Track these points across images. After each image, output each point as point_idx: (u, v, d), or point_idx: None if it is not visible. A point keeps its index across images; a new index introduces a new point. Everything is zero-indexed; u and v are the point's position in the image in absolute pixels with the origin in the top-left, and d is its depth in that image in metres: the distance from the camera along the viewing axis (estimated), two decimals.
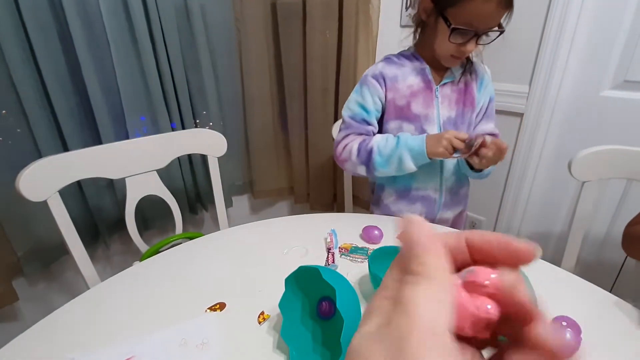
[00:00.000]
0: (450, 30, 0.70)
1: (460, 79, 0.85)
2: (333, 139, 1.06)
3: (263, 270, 0.68)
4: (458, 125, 0.85)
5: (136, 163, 0.93)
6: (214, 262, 0.72)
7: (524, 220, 1.38)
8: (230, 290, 0.63)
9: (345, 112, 0.89)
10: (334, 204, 1.69)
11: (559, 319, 0.53)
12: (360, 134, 0.86)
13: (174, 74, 1.21)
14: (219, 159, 1.05)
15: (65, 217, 0.79)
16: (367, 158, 0.82)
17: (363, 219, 0.86)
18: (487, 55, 1.28)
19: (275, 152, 1.57)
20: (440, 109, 0.84)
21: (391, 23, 1.38)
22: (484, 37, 0.72)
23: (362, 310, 0.46)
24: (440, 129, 0.85)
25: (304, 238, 0.79)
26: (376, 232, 0.77)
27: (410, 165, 0.78)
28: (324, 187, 1.61)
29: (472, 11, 0.68)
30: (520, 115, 1.25)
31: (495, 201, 1.42)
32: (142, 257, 0.99)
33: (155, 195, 0.98)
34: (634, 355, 0.51)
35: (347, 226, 0.83)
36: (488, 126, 0.90)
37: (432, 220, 0.90)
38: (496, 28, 0.72)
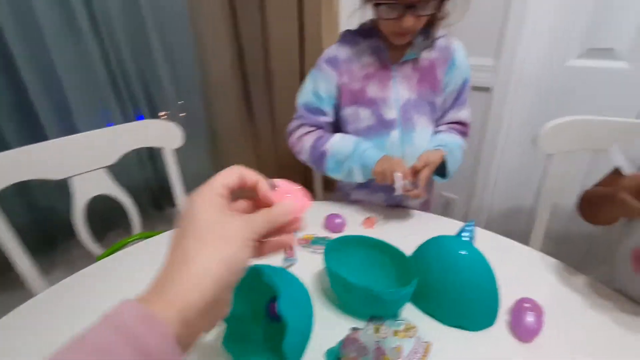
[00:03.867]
0: (375, 6, 0.66)
1: (421, 56, 0.77)
2: None
3: None
4: (419, 108, 0.79)
5: (81, 161, 0.86)
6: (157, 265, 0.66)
7: (495, 196, 1.37)
8: None
9: (299, 100, 0.84)
10: (312, 193, 1.65)
11: (521, 301, 0.51)
12: (314, 126, 0.84)
13: (123, 61, 1.11)
14: (183, 150, 0.98)
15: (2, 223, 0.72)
16: (319, 159, 0.80)
17: (326, 207, 0.82)
18: (451, 28, 1.24)
19: (243, 140, 1.50)
20: (399, 90, 0.78)
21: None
22: (422, 9, 0.66)
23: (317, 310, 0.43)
24: (399, 113, 0.79)
25: None
26: (338, 220, 0.74)
27: (360, 179, 0.79)
28: (295, 174, 1.56)
29: None
30: (488, 89, 1.22)
31: (468, 179, 1.41)
32: (97, 259, 0.93)
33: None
34: (595, 331, 0.50)
35: (309, 215, 0.79)
36: (460, 114, 0.84)
37: (396, 207, 0.87)
38: None
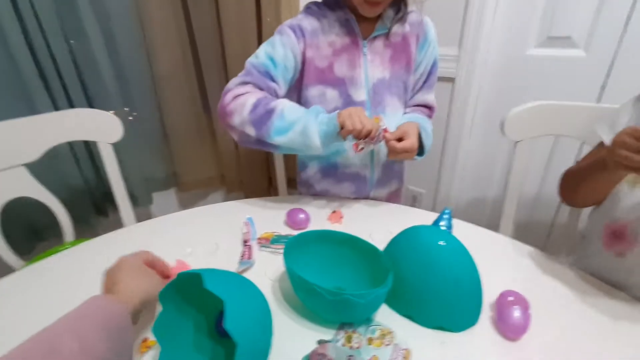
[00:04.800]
0: None
1: (393, 30, 0.71)
2: None
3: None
4: (392, 89, 0.73)
5: None
6: (89, 274, 0.55)
7: (462, 187, 1.37)
8: None
9: (249, 60, 0.71)
10: (270, 189, 1.55)
11: (506, 294, 0.46)
12: (260, 89, 0.68)
13: (52, 47, 0.96)
14: (129, 149, 0.86)
15: None
16: (264, 117, 0.63)
17: (287, 202, 0.74)
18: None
19: (199, 136, 1.38)
20: (368, 69, 0.71)
21: None
22: None
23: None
24: (368, 94, 0.72)
25: (214, 231, 0.65)
26: (301, 215, 0.66)
27: (315, 139, 0.61)
28: (258, 171, 1.46)
29: None
30: (452, 79, 1.20)
31: (434, 172, 1.39)
32: None
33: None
34: (579, 320, 0.46)
35: (269, 212, 0.71)
36: (428, 97, 0.80)
37: (366, 198, 0.81)
38: None
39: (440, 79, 1.21)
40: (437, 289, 0.44)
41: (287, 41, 0.69)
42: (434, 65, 0.78)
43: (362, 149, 0.63)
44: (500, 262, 0.58)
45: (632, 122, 0.55)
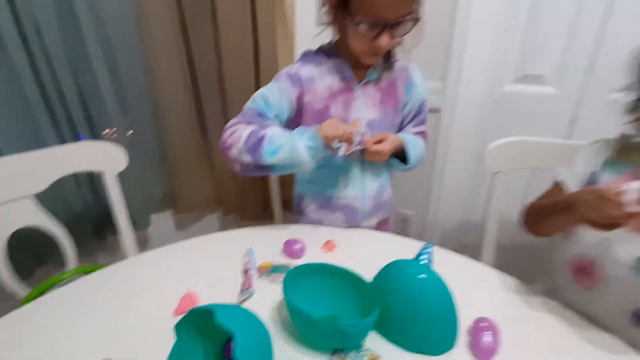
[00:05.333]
0: (355, 23, 0.66)
1: (383, 76, 0.80)
2: None
3: (162, 310, 0.57)
4: (382, 127, 0.81)
5: (3, 188, 0.75)
6: (100, 305, 0.59)
7: (449, 211, 1.43)
8: (118, 343, 0.51)
9: (246, 104, 0.79)
10: (266, 212, 1.60)
11: (479, 321, 0.52)
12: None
13: (57, 76, 1.01)
14: (129, 171, 0.90)
15: None
16: (256, 144, 0.70)
17: (284, 232, 0.79)
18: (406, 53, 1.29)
19: (197, 159, 1.43)
20: (361, 110, 0.79)
21: (308, 19, 1.33)
22: (397, 29, 0.68)
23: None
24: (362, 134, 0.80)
25: (216, 261, 0.70)
26: (297, 246, 0.71)
27: (303, 154, 0.68)
28: (253, 194, 1.51)
29: (370, 1, 0.63)
30: (438, 110, 1.29)
31: (423, 195, 1.46)
32: (22, 302, 0.80)
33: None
34: (551, 347, 0.52)
35: (267, 241, 0.76)
36: (418, 129, 0.89)
37: (357, 227, 0.87)
38: (408, 17, 0.66)
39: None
40: (417, 318, 0.49)
41: (282, 87, 0.77)
42: (421, 105, 0.86)
43: (349, 150, 0.71)
44: (478, 290, 0.64)
45: (589, 168, 0.62)
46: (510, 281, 0.67)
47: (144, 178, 1.34)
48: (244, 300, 0.59)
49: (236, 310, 0.43)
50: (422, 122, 0.88)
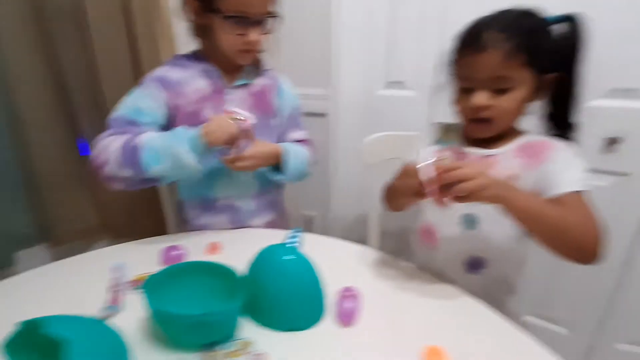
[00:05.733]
0: (224, 19, 0.69)
1: (253, 82, 0.83)
2: None
3: None
4: (257, 130, 0.83)
5: None
6: None
7: (346, 208, 1.54)
8: None
9: (111, 115, 0.74)
10: (165, 229, 1.50)
11: (343, 290, 0.57)
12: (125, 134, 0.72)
13: None
14: None
15: None
16: (133, 155, 0.66)
17: (162, 241, 0.76)
18: (291, 63, 1.38)
19: (72, 181, 1.27)
20: None
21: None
22: (264, 25, 0.72)
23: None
24: None
25: (80, 282, 0.63)
26: (175, 252, 0.69)
27: (188, 159, 0.66)
28: (145, 212, 1.40)
29: None
30: (324, 115, 1.40)
31: (323, 196, 1.55)
32: None
33: None
34: (405, 303, 0.60)
35: (143, 254, 0.72)
36: (297, 134, 0.93)
37: (242, 227, 0.87)
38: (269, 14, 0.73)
39: (315, 114, 1.41)
40: (285, 297, 0.52)
41: (152, 92, 0.75)
42: (294, 110, 0.93)
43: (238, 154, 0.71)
44: (347, 266, 0.70)
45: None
46: (378, 254, 0.75)
47: (2, 210, 1.15)
48: (108, 316, 0.54)
49: (76, 320, 0.40)
50: (297, 126, 0.94)
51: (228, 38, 0.73)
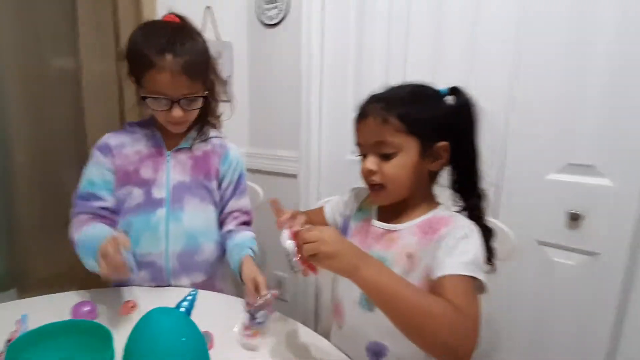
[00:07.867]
0: (141, 98, 0.77)
1: (195, 146, 0.89)
2: None
3: None
4: (193, 190, 0.87)
5: None
6: None
7: None
8: None
9: (73, 194, 0.85)
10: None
11: None
12: (89, 213, 0.83)
13: None
14: None
15: None
16: (78, 248, 0.77)
17: (74, 297, 0.76)
18: (265, 127, 1.47)
19: (44, 226, 1.29)
20: (171, 173, 0.86)
21: None
22: (188, 104, 0.79)
23: None
24: (169, 193, 0.85)
25: None
26: (86, 309, 0.69)
27: (95, 269, 0.67)
28: None
29: (153, 81, 0.75)
30: (295, 176, 1.44)
31: None
32: None
33: None
34: None
35: (51, 309, 0.71)
36: (241, 202, 0.95)
37: (166, 286, 0.86)
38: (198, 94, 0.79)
39: (287, 175, 1.46)
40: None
41: (96, 161, 0.84)
42: (240, 177, 0.95)
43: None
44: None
45: (347, 210, 0.75)
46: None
47: None
48: None
49: None
50: (242, 194, 0.95)
51: (155, 112, 0.81)
